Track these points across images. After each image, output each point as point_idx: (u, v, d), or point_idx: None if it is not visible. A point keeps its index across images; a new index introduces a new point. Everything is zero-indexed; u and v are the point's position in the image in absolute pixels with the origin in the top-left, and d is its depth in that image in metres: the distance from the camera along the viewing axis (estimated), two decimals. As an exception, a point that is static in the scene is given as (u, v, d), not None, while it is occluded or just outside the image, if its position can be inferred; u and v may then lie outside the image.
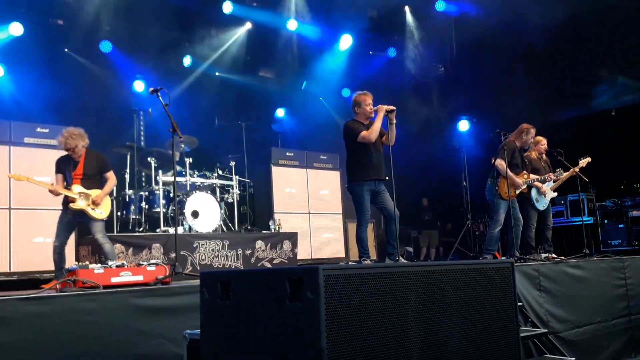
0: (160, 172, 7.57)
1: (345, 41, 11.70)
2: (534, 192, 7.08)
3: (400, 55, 12.16)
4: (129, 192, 7.73)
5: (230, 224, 8.13)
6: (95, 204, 5.58)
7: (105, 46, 9.55)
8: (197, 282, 3.13)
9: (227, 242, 7.11)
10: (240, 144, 9.74)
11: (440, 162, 12.06)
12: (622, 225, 9.20)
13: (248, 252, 7.28)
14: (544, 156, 7.47)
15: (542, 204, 7.13)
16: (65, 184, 5.70)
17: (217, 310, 2.52)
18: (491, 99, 11.18)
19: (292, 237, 7.92)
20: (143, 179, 8.70)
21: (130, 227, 7.56)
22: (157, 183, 7.49)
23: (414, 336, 2.30)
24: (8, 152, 7.07)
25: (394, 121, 5.71)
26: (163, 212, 7.37)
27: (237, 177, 8.47)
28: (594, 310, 5.85)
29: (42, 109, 8.45)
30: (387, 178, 5.85)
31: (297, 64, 11.60)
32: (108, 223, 6.38)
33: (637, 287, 6.38)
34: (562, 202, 9.67)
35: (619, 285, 6.26)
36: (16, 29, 8.62)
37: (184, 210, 7.18)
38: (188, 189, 7.67)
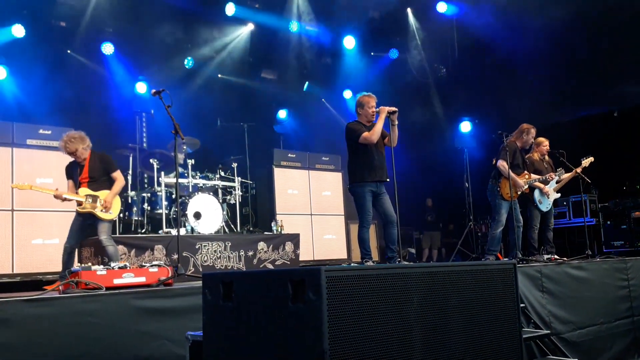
0: (162, 173, 7.58)
1: (347, 42, 11.71)
2: (537, 193, 7.08)
3: (402, 56, 12.17)
4: (132, 193, 7.74)
5: (232, 226, 8.13)
6: (105, 207, 5.58)
7: (108, 48, 9.56)
8: (199, 283, 3.13)
9: (230, 244, 7.11)
10: (243, 145, 9.75)
11: (442, 163, 12.05)
12: (624, 227, 9.17)
13: (250, 253, 7.28)
14: (546, 157, 7.46)
15: (545, 205, 7.13)
16: (75, 189, 5.71)
17: (219, 312, 2.52)
18: (493, 100, 11.16)
19: (294, 239, 7.92)
20: (145, 180, 8.71)
21: (133, 229, 7.56)
22: (159, 184, 7.50)
23: (417, 337, 2.30)
24: (11, 154, 7.08)
25: (396, 122, 5.72)
26: (165, 213, 7.37)
27: (240, 178, 8.48)
28: (597, 311, 5.84)
29: (44, 110, 8.46)
30: (388, 180, 5.85)
31: (299, 65, 11.62)
32: (111, 224, 6.39)
33: (640, 288, 6.38)
34: (565, 203, 9.66)
35: (621, 286, 6.25)
36: (18, 30, 8.64)
37: (186, 212, 7.18)
38: (190, 190, 7.68)
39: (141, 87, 10.14)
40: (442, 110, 12.45)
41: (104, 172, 5.76)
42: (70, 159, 5.77)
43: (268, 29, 11.06)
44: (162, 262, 4.95)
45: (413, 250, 12.09)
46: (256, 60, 11.48)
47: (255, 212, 9.84)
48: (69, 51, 9.43)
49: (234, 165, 8.46)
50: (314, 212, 9.65)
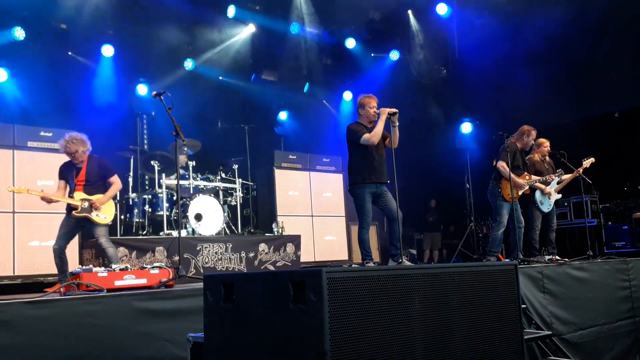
0: (163, 175, 7.58)
1: (348, 44, 11.72)
2: (538, 194, 7.07)
3: (403, 57, 12.17)
4: (133, 195, 7.74)
5: (233, 227, 8.14)
6: (94, 207, 5.57)
7: (108, 50, 9.57)
8: (200, 285, 3.13)
9: (231, 245, 7.12)
10: (243, 147, 9.75)
11: (443, 164, 12.04)
12: (625, 227, 9.17)
13: (251, 254, 7.29)
14: (547, 158, 7.46)
15: (546, 206, 7.13)
16: (67, 190, 5.70)
17: (220, 313, 2.53)
18: (494, 101, 11.15)
19: (295, 240, 7.93)
20: (146, 182, 8.71)
21: (134, 231, 7.57)
22: (160, 186, 7.50)
23: (418, 338, 2.29)
24: (12, 156, 7.08)
25: (397, 124, 5.71)
26: (166, 215, 7.38)
27: (240, 180, 8.48)
28: (598, 312, 5.83)
29: (45, 112, 8.47)
30: (388, 181, 5.85)
31: (299, 66, 11.62)
32: (111, 226, 6.40)
33: (642, 288, 6.37)
34: (566, 204, 9.65)
35: (623, 287, 6.24)
36: (19, 33, 8.65)
37: (187, 214, 7.18)
38: (191, 192, 7.69)
39: (142, 89, 10.14)
40: (442, 111, 12.44)
41: (101, 176, 5.75)
42: (66, 157, 5.76)
43: (269, 30, 11.06)
44: (163, 264, 4.95)
45: (414, 252, 12.08)
46: (257, 62, 11.49)
47: (256, 214, 9.84)
48: (69, 53, 9.44)
49: (235, 166, 8.46)
50: (314, 214, 9.65)
